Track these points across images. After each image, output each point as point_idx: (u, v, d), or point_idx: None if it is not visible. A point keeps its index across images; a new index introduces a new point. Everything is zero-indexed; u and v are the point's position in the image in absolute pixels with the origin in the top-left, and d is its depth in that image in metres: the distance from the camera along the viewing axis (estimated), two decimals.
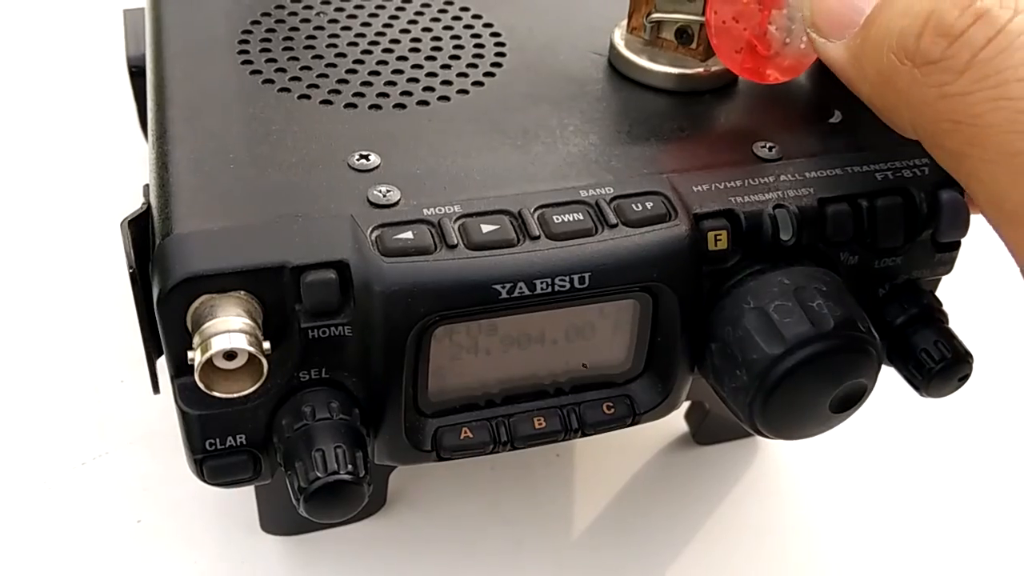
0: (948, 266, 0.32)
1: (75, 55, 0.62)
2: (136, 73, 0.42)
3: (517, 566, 0.38)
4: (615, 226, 0.28)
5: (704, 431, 0.41)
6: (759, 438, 0.43)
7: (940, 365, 0.30)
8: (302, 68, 0.34)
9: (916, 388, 0.31)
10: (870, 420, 0.44)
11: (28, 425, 0.42)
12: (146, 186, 0.30)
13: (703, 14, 0.32)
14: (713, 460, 0.42)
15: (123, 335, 0.42)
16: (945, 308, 0.32)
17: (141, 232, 0.28)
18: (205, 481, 0.28)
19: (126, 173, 0.52)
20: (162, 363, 0.28)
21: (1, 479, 0.40)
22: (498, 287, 0.26)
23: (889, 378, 0.31)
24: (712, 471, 0.42)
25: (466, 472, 0.41)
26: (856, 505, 0.41)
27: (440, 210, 0.28)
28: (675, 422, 0.43)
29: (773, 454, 0.43)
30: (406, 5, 0.38)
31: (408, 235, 0.27)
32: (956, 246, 0.31)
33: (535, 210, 0.28)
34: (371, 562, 0.38)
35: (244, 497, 0.37)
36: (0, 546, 0.38)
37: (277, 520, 0.37)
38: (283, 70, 0.34)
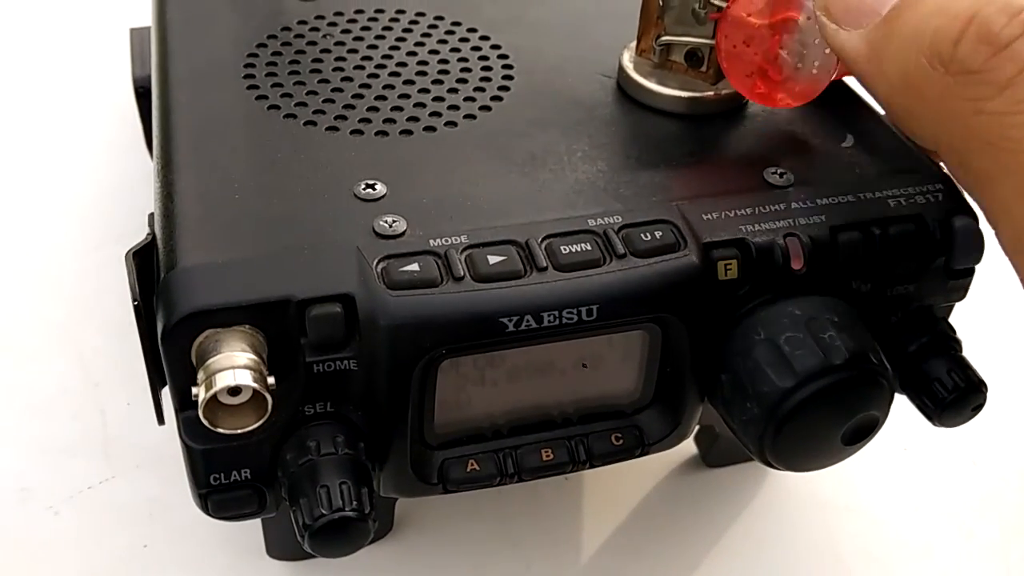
0: (961, 293, 0.31)
1: (80, 72, 0.62)
2: (142, 93, 0.42)
3: None
4: (623, 256, 0.27)
5: (714, 454, 0.41)
6: None
7: (953, 395, 0.29)
8: (308, 93, 0.34)
9: (929, 417, 0.30)
10: (882, 443, 0.43)
11: (34, 449, 0.42)
12: (151, 215, 0.29)
13: (713, 37, 0.32)
14: (723, 482, 0.42)
15: (129, 358, 0.41)
16: (959, 335, 0.31)
17: (145, 263, 0.28)
18: (210, 515, 0.28)
19: (132, 192, 0.52)
20: (167, 392, 0.28)
21: (7, 504, 0.39)
22: (505, 320, 0.26)
23: (901, 400, 0.31)
24: (722, 493, 0.42)
25: (474, 496, 0.40)
26: (869, 528, 0.41)
27: (447, 240, 0.27)
28: (685, 444, 0.42)
29: (783, 476, 0.42)
30: (413, 27, 0.38)
31: (414, 267, 0.26)
32: (970, 273, 0.31)
33: (542, 240, 0.28)
34: None
35: (250, 522, 0.37)
36: (7, 572, 0.37)
37: (283, 546, 0.37)
38: (289, 95, 0.33)
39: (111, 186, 0.54)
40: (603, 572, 0.39)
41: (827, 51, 0.30)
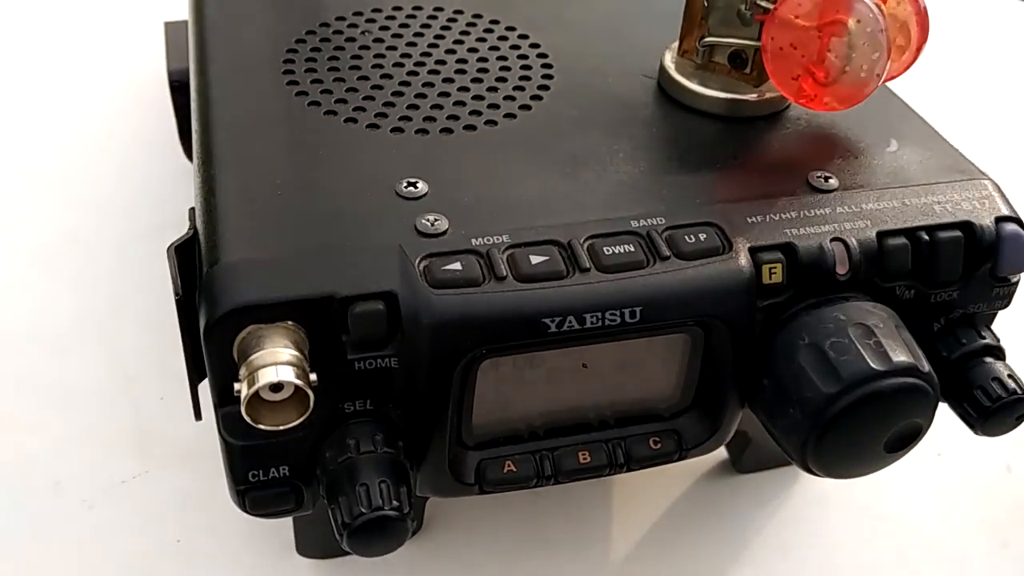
0: (1006, 300, 0.31)
1: (115, 67, 0.62)
2: (176, 87, 0.42)
3: None
4: (667, 258, 0.27)
5: (745, 460, 0.41)
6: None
7: (997, 404, 0.29)
8: (348, 90, 0.34)
9: (971, 426, 0.30)
10: (915, 448, 0.43)
11: (69, 443, 0.42)
12: (192, 210, 0.29)
13: (759, 39, 0.32)
14: (753, 488, 0.42)
15: (164, 353, 0.42)
16: (1003, 343, 0.31)
17: (187, 258, 0.28)
18: (247, 512, 0.28)
19: (166, 186, 0.52)
20: (203, 386, 0.27)
21: (42, 497, 0.40)
22: (547, 321, 0.26)
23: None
24: (752, 499, 0.41)
25: (505, 495, 0.40)
26: (901, 535, 0.40)
27: (489, 240, 0.27)
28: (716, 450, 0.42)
29: (813, 483, 0.42)
30: (451, 24, 0.38)
31: (457, 266, 0.26)
32: (1016, 280, 0.31)
33: (585, 241, 0.27)
34: None
35: (282, 519, 0.37)
36: (41, 565, 0.37)
37: (313, 544, 0.37)
38: (329, 91, 0.33)
39: (146, 180, 0.54)
40: (635, 573, 0.38)
41: (875, 55, 0.29)
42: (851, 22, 0.30)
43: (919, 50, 0.32)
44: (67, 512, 0.39)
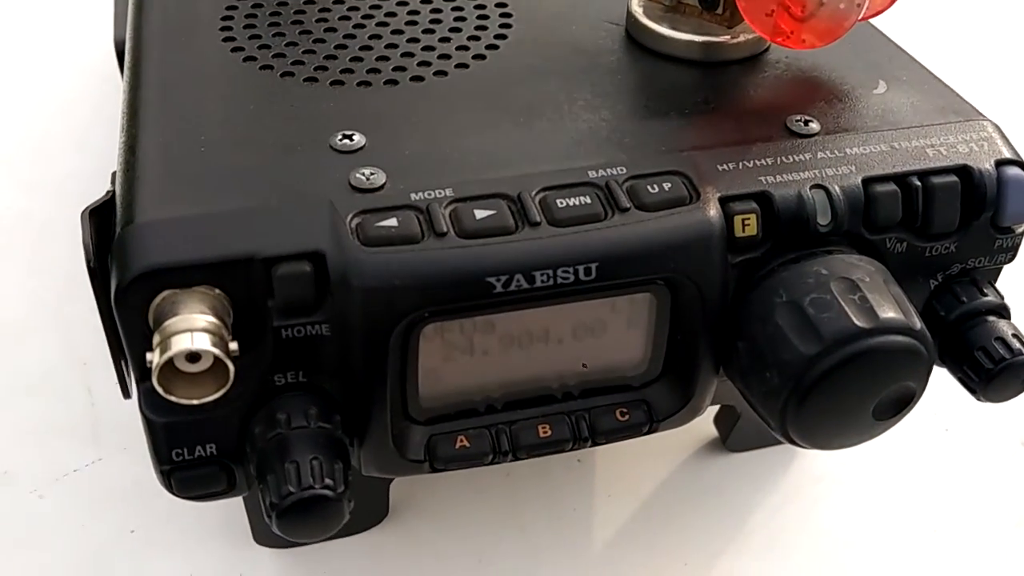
0: (1010, 253, 0.28)
1: (68, 41, 0.60)
2: (122, 55, 0.40)
3: None
4: (627, 210, 0.24)
5: (735, 437, 0.38)
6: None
7: (1000, 365, 0.26)
8: (288, 44, 0.31)
9: (973, 391, 0.27)
10: (921, 423, 0.40)
11: (18, 431, 0.40)
12: (114, 173, 0.27)
13: None
14: (745, 468, 0.39)
15: None
16: (1008, 302, 0.28)
17: (104, 223, 0.25)
18: (174, 494, 0.25)
19: (110, 162, 0.50)
20: None
21: None
22: (492, 280, 0.23)
23: (942, 376, 0.28)
24: (744, 480, 0.39)
25: (480, 479, 0.38)
26: (905, 516, 0.38)
27: (429, 194, 0.25)
28: (704, 427, 0.40)
29: (810, 462, 0.39)
30: None
31: (392, 222, 0.24)
32: (1020, 230, 0.28)
33: (536, 193, 0.25)
34: (374, 575, 0.35)
35: (241, 505, 0.35)
36: None
37: (269, 531, 0.34)
38: (267, 47, 0.31)
39: (101, 159, 0.52)
40: (617, 561, 0.36)
41: None
42: None
43: None
44: (17, 502, 0.37)
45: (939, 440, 0.40)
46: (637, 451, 0.39)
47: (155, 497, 0.37)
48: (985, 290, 0.28)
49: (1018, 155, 0.27)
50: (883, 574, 0.36)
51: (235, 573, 0.36)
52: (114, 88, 0.51)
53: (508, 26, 0.33)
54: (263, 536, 0.35)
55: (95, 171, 0.51)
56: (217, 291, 0.23)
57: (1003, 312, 0.28)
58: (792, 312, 0.24)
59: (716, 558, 0.36)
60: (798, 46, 0.29)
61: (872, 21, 0.31)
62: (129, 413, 0.39)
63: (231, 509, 0.36)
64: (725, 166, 0.26)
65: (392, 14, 0.33)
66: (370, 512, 0.35)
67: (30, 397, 0.41)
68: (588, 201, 0.25)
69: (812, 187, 0.26)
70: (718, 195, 0.25)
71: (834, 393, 0.24)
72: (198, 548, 0.36)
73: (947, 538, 0.37)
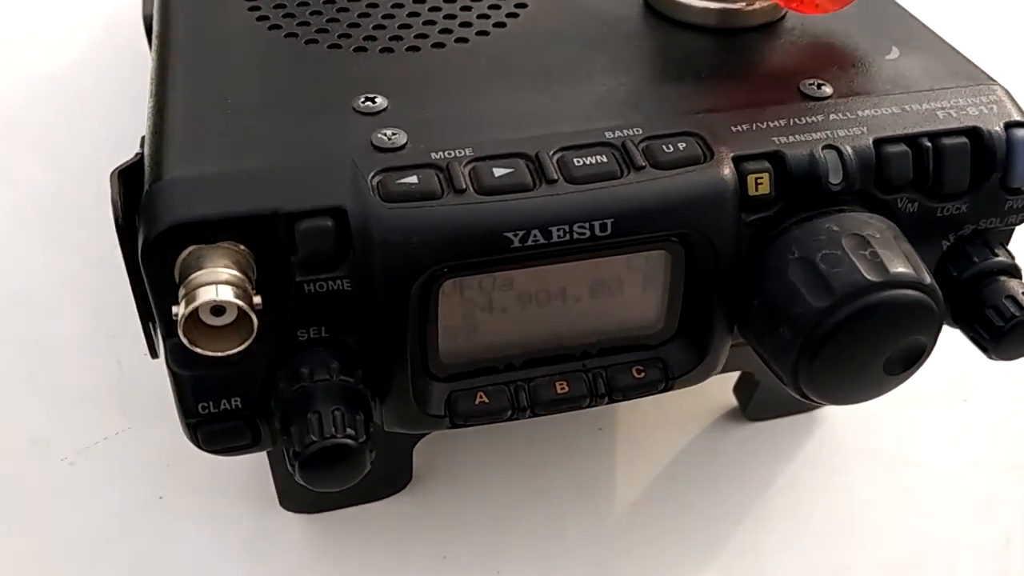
0: (1021, 214, 0.28)
1: (96, 19, 0.61)
2: (151, 29, 0.41)
3: (558, 544, 0.36)
4: (642, 168, 0.25)
5: (755, 405, 0.38)
6: (815, 413, 0.40)
7: (1011, 323, 0.26)
8: (312, 13, 0.32)
9: (984, 350, 0.27)
10: (940, 393, 0.40)
11: (50, 400, 0.41)
12: (143, 137, 0.28)
13: None
14: (765, 436, 0.39)
15: None
16: (1019, 263, 0.29)
17: (133, 184, 0.26)
18: (200, 447, 0.26)
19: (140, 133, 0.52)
20: None
21: (23, 454, 0.39)
22: (510, 235, 0.24)
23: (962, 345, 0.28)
24: (764, 448, 0.39)
25: (503, 446, 0.39)
26: (924, 484, 0.38)
27: (450, 153, 0.25)
28: (724, 396, 0.40)
29: (829, 431, 0.40)
30: None
31: (412, 179, 0.24)
32: None
33: (554, 153, 0.25)
34: (398, 540, 0.36)
35: (267, 472, 0.36)
36: (22, 522, 0.36)
37: (295, 496, 0.35)
38: (291, 15, 0.32)
39: (130, 135, 0.53)
40: (639, 527, 0.37)
41: None
42: None
43: None
44: (49, 470, 0.38)
45: (959, 410, 0.40)
46: (658, 419, 0.40)
47: (182, 465, 0.38)
48: (996, 251, 0.28)
49: None
50: (902, 542, 0.36)
51: (262, 538, 0.36)
52: (142, 65, 0.52)
53: None
54: (289, 501, 0.36)
55: (123, 147, 0.52)
56: (241, 247, 0.24)
57: (1014, 272, 0.28)
58: (804, 268, 0.24)
59: (736, 525, 0.37)
60: (812, 10, 0.29)
61: None
62: (156, 384, 0.40)
63: (258, 474, 0.37)
64: (739, 127, 0.26)
65: None
66: (394, 478, 0.36)
67: (61, 368, 0.42)
68: (604, 160, 0.25)
69: (824, 147, 0.26)
70: (732, 155, 0.26)
71: (845, 347, 0.24)
72: (225, 514, 0.37)
73: (966, 505, 0.37)
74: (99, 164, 0.51)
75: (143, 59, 0.45)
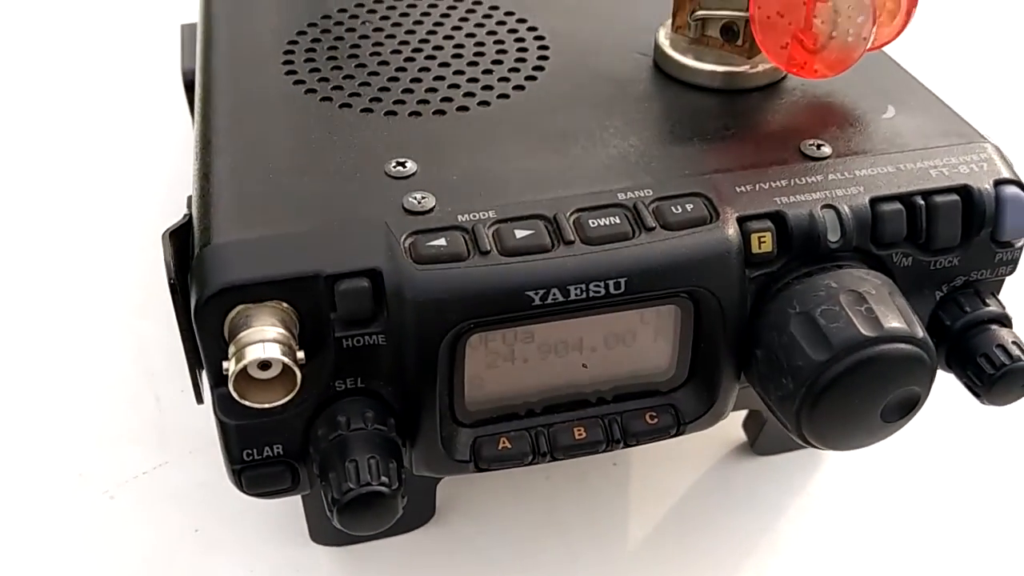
0: (1011, 266, 0.30)
1: (136, 68, 0.63)
2: (190, 86, 0.43)
3: None
4: (653, 229, 0.27)
5: (763, 441, 0.40)
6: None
7: (1001, 371, 0.28)
8: (345, 77, 0.34)
9: (977, 396, 0.29)
10: (937, 429, 0.42)
11: (91, 435, 0.43)
12: (189, 197, 0.30)
13: (748, 9, 0.31)
14: (772, 471, 0.41)
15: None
16: (1009, 311, 0.30)
17: (182, 243, 0.28)
18: (244, 492, 0.28)
19: (181, 184, 0.53)
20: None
21: (64, 488, 0.41)
22: (531, 294, 0.26)
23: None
24: (771, 483, 0.41)
25: (520, 482, 0.40)
26: (934, 519, 0.39)
27: (475, 216, 0.27)
28: (733, 431, 0.42)
29: (836, 466, 0.41)
30: (451, 11, 0.38)
31: (441, 242, 0.26)
32: (1020, 244, 0.30)
33: (571, 214, 0.27)
34: (422, 571, 0.38)
35: (299, 507, 0.38)
36: (63, 555, 0.38)
37: (325, 530, 0.37)
38: (326, 80, 0.34)
39: (173, 179, 0.55)
40: (652, 561, 0.38)
41: (861, 19, 0.29)
42: None
43: (909, 14, 0.31)
44: (89, 503, 0.40)
45: (964, 443, 0.42)
46: (670, 455, 0.41)
47: (217, 498, 0.40)
48: (987, 300, 0.30)
49: (1016, 175, 0.29)
50: (908, 571, 0.37)
51: (294, 569, 0.38)
52: (182, 115, 0.54)
53: (545, 57, 0.35)
54: (320, 535, 0.37)
55: (164, 191, 0.54)
56: (285, 305, 0.26)
57: (1004, 321, 0.30)
58: (804, 322, 0.26)
59: (746, 557, 0.38)
60: (811, 76, 0.31)
61: (883, 48, 0.34)
62: (194, 420, 0.43)
63: (289, 509, 0.39)
64: (743, 188, 0.28)
65: (439, 47, 0.36)
66: (418, 512, 0.37)
67: (101, 405, 0.44)
68: (617, 221, 0.27)
69: (823, 207, 0.28)
70: (736, 215, 0.27)
71: (844, 397, 0.26)
72: (258, 546, 0.39)
73: (974, 539, 0.38)
74: (143, 204, 0.53)
75: (182, 110, 0.48)
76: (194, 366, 0.29)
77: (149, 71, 0.63)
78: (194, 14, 0.45)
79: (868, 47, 0.30)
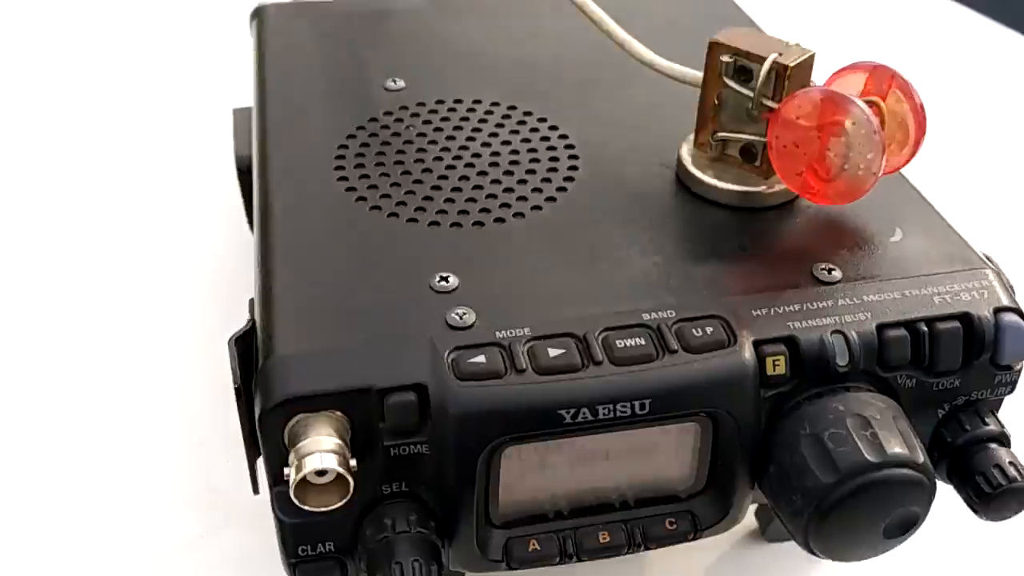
0: (1011, 387, 0.32)
1: (208, 149, 0.64)
2: (242, 170, 0.46)
3: None
4: (675, 352, 0.29)
5: (774, 529, 0.42)
6: None
7: (997, 491, 0.30)
8: (392, 185, 0.37)
9: (975, 511, 0.31)
10: (946, 527, 0.43)
11: (139, 503, 0.45)
12: (251, 300, 0.33)
13: (766, 135, 0.34)
14: (783, 557, 0.43)
15: (230, 418, 0.45)
16: (1008, 430, 0.32)
17: (246, 348, 0.31)
18: None
19: (231, 260, 0.56)
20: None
21: (112, 556, 0.43)
22: (563, 412, 0.28)
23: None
24: (782, 569, 0.42)
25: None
26: None
27: (511, 332, 0.30)
28: (746, 519, 0.44)
29: None
30: (488, 116, 0.41)
31: (481, 359, 0.29)
32: (1019, 367, 0.32)
33: (599, 334, 0.30)
34: None
35: None
36: None
37: None
38: (374, 186, 0.37)
39: (217, 250, 0.57)
40: None
41: (871, 155, 0.31)
42: (848, 123, 0.32)
43: (918, 144, 0.34)
44: (136, 570, 0.42)
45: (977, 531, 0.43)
46: None
47: (262, 567, 0.42)
48: (987, 419, 0.32)
49: (1015, 302, 0.32)
50: None
51: None
52: (233, 196, 0.56)
53: (575, 167, 0.38)
54: None
55: (213, 275, 0.56)
56: (339, 414, 0.29)
57: (1003, 440, 0.32)
58: (814, 444, 0.29)
59: None
60: (824, 202, 0.33)
61: None
62: (239, 490, 0.44)
63: None
64: (759, 311, 0.31)
65: (477, 155, 0.38)
66: None
67: (150, 471, 0.46)
68: (642, 342, 0.29)
69: (833, 332, 0.30)
70: (752, 339, 0.30)
71: (849, 516, 0.28)
72: None
73: None
74: (195, 280, 0.55)
75: (234, 190, 0.50)
76: (252, 458, 0.32)
77: (197, 150, 0.65)
78: (240, 98, 0.48)
79: (878, 179, 0.32)
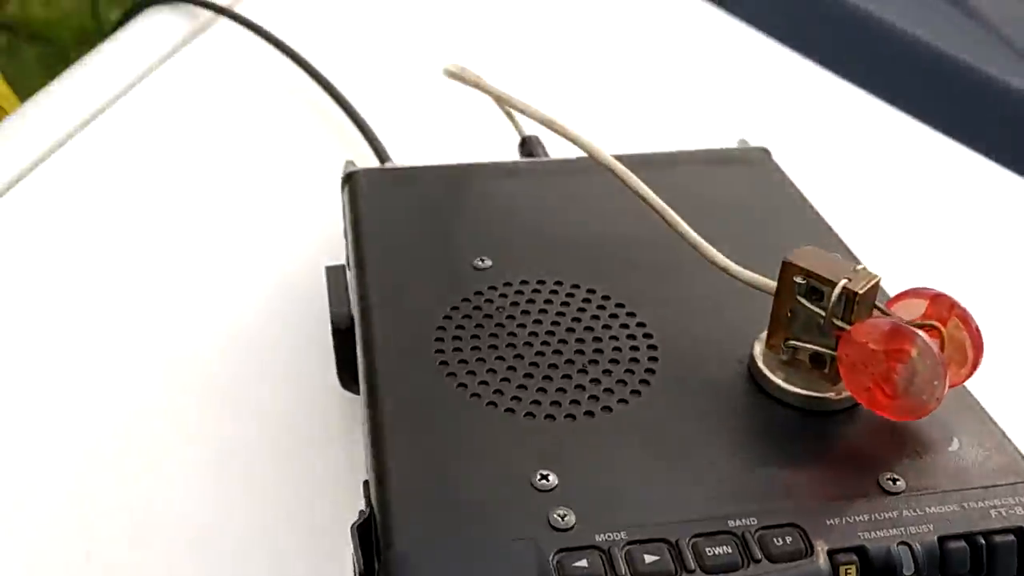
0: None
1: (295, 303, 0.61)
2: (337, 330, 0.48)
3: None
4: (759, 561, 0.33)
5: None
6: None
7: None
8: (488, 371, 0.40)
9: None
10: None
11: None
12: (365, 483, 0.36)
13: (836, 348, 0.38)
14: None
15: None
16: None
17: (365, 533, 0.34)
18: None
19: (324, 429, 0.54)
20: None
21: None
22: None
23: None
24: None
25: None
26: None
27: (609, 536, 0.33)
28: None
29: None
30: (569, 300, 0.45)
31: (583, 563, 0.32)
32: None
33: (690, 540, 0.33)
34: None
35: None
36: None
37: None
38: (472, 372, 0.40)
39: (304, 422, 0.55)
40: None
41: (935, 382, 0.35)
42: (913, 352, 0.35)
43: (975, 366, 0.37)
44: None
45: None
46: None
47: None
48: None
49: None
50: None
51: None
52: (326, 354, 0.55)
53: (655, 359, 0.41)
54: None
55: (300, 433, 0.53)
56: None
57: None
58: None
59: None
60: (889, 417, 0.37)
61: None
62: None
63: None
64: (832, 520, 0.34)
65: (564, 341, 0.42)
66: None
67: None
68: (729, 551, 0.33)
69: (899, 543, 0.33)
70: (827, 548, 0.33)
71: None
72: None
73: None
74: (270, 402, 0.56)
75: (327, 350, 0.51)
76: None
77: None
78: (336, 256, 0.51)
79: (940, 402, 0.36)
